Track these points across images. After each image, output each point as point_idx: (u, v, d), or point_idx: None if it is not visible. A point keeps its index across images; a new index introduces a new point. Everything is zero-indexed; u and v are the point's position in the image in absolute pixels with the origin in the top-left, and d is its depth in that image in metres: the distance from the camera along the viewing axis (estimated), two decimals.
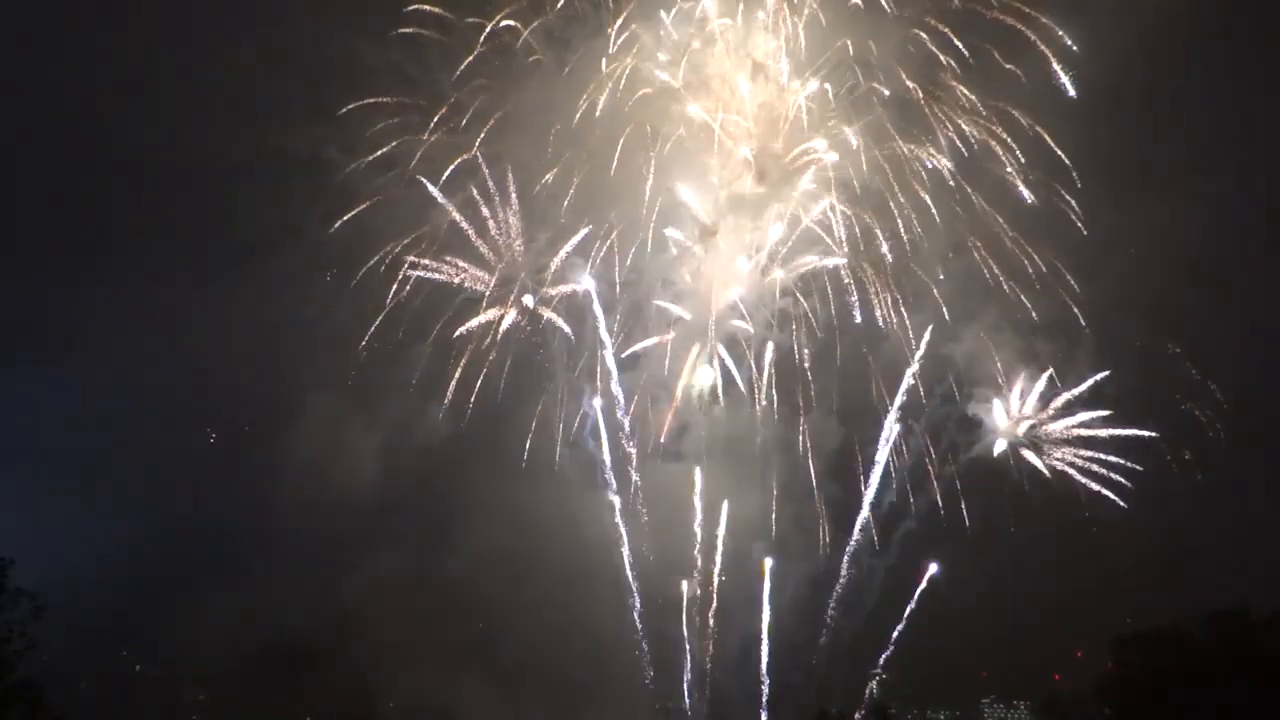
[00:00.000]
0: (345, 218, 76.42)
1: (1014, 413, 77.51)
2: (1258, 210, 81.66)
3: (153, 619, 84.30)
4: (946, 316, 76.62)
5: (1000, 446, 77.54)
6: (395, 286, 77.24)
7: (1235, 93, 75.55)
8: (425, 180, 75.59)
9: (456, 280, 77.32)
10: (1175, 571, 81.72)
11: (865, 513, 78.14)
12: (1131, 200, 76.62)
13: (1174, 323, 75.25)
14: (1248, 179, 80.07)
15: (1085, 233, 75.31)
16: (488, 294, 77.61)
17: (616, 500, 77.75)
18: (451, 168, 75.88)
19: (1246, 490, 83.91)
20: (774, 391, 78.03)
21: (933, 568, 78.39)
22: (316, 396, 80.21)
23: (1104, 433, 76.55)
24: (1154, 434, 75.80)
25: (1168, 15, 70.38)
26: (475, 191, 75.79)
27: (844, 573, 78.35)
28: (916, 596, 78.46)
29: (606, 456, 78.37)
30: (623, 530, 77.94)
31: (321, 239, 76.94)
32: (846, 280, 76.65)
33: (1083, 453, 76.60)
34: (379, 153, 76.22)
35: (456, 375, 77.78)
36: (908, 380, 77.22)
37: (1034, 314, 76.46)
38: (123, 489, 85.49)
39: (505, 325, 77.43)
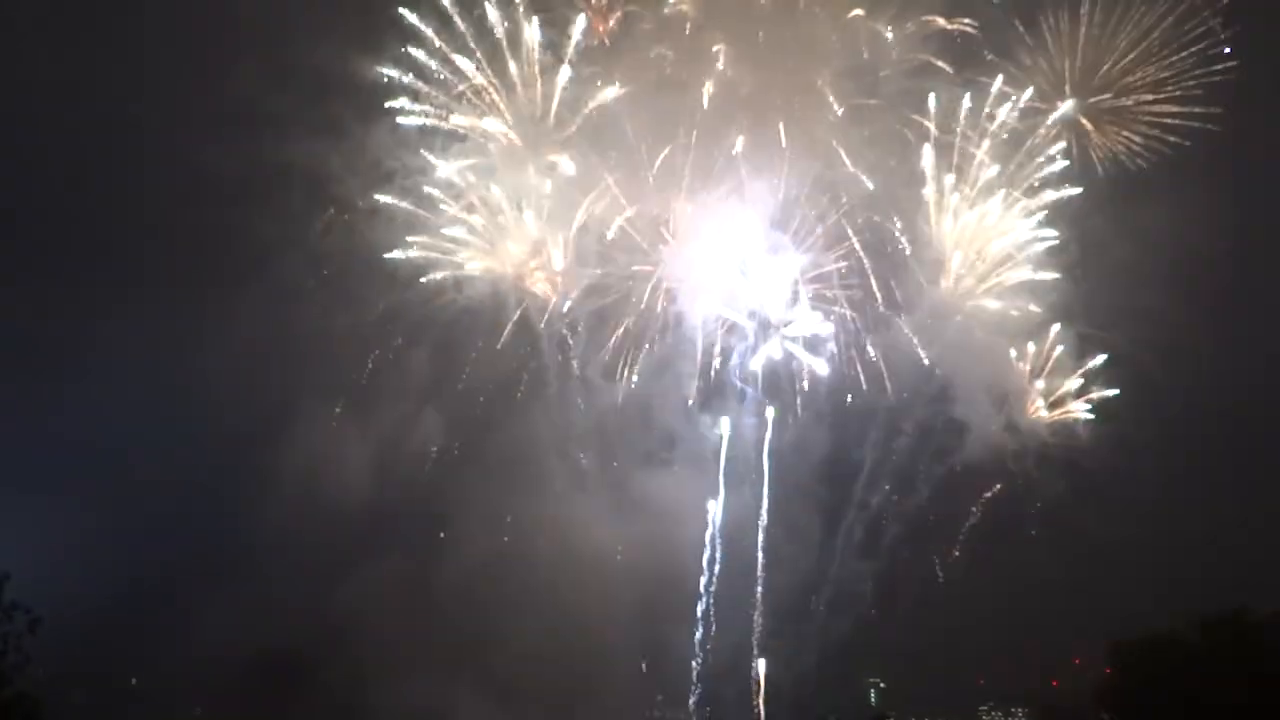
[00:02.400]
0: (345, 231, 77.17)
1: (1003, 427, 77.68)
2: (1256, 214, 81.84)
3: (149, 632, 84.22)
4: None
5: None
6: (393, 298, 78.10)
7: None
8: (428, 193, 76.52)
9: (455, 293, 78.09)
10: (1173, 576, 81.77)
11: (857, 517, 78.51)
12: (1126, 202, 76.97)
13: (1166, 329, 75.42)
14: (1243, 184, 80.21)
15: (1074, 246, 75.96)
16: (486, 299, 78.42)
17: (609, 507, 78.20)
18: (451, 179, 76.79)
19: (1242, 494, 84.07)
20: (764, 396, 78.73)
21: (933, 571, 78.66)
22: (311, 406, 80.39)
23: (1096, 445, 76.72)
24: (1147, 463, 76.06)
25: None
26: (477, 202, 76.80)
27: (838, 578, 78.55)
28: (913, 603, 78.59)
29: (599, 464, 78.97)
30: (616, 537, 78.31)
31: (322, 253, 77.44)
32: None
33: (1074, 477, 76.85)
34: (381, 168, 76.80)
35: (454, 382, 78.58)
36: (898, 384, 77.80)
37: (1019, 316, 77.14)
38: (118, 502, 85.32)
39: (503, 338, 78.36)
